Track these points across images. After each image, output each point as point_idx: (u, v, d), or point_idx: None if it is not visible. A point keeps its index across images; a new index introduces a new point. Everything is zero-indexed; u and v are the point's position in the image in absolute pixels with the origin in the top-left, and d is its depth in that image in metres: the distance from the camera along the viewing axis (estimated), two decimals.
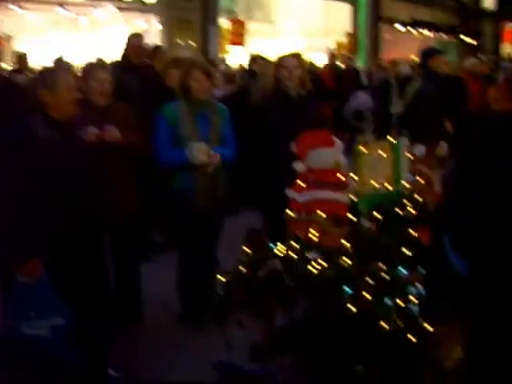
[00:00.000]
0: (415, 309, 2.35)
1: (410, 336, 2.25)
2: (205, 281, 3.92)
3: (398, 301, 2.32)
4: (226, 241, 4.24)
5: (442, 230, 2.56)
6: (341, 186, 2.49)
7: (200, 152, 3.80)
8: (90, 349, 3.28)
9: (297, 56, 4.33)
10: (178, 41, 13.20)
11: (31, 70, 7.98)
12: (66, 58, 8.02)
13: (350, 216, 2.49)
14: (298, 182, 2.50)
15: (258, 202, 4.58)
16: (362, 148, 2.73)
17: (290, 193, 2.52)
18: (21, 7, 10.81)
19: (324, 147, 2.52)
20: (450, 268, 2.15)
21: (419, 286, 2.47)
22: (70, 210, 3.03)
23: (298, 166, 2.52)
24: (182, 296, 4.26)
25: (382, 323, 2.17)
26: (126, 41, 5.28)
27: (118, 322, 3.86)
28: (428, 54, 5.63)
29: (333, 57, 12.14)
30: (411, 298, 2.38)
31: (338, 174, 2.51)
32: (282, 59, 4.30)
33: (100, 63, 4.13)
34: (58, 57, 8.08)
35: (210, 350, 3.23)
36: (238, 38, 14.82)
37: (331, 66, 11.29)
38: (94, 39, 11.63)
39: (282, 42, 15.28)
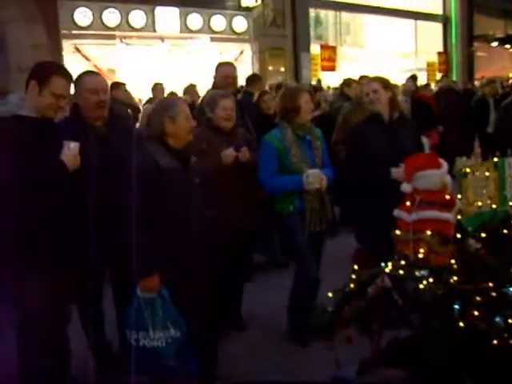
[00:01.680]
0: None
1: None
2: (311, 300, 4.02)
3: (508, 320, 2.34)
4: (328, 261, 4.37)
5: None
6: (447, 206, 2.55)
7: (316, 179, 3.94)
8: (203, 360, 3.48)
9: (377, 79, 4.24)
10: (271, 68, 13.53)
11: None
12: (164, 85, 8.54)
13: (457, 235, 2.53)
14: (406, 202, 2.58)
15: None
16: (466, 169, 2.78)
17: (397, 212, 2.61)
18: (125, 43, 11.54)
19: (430, 169, 2.61)
20: None
21: None
22: (185, 232, 3.25)
23: (406, 188, 2.62)
24: (292, 315, 4.36)
25: (493, 341, 2.19)
26: (216, 70, 5.35)
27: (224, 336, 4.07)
28: None
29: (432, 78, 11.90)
30: None
31: (445, 195, 2.58)
32: (362, 84, 4.36)
33: (223, 92, 4.36)
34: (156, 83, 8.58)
35: (319, 366, 3.34)
36: (329, 64, 15.03)
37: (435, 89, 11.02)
38: (189, 69, 12.10)
39: (373, 66, 15.27)
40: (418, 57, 18.26)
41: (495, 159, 2.99)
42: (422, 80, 13.40)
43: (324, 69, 14.92)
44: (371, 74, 4.51)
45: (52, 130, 3.17)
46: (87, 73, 3.78)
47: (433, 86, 12.16)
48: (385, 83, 4.16)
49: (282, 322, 4.33)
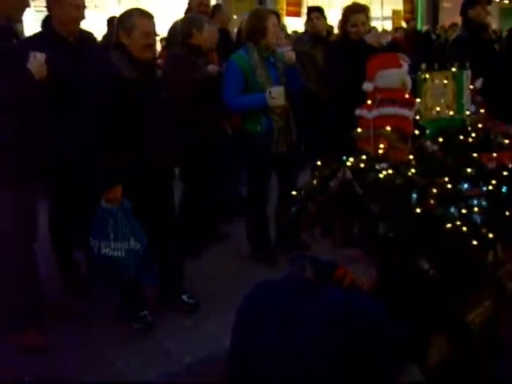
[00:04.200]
0: (478, 218, 2.50)
1: (473, 241, 2.41)
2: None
3: (462, 210, 2.48)
4: None
5: None
6: (407, 104, 2.65)
7: (280, 95, 4.00)
8: (164, 272, 3.58)
9: (364, 9, 4.36)
10: (235, 14, 13.31)
11: None
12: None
13: (415, 132, 2.64)
14: (367, 101, 2.67)
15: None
16: (426, 74, 2.87)
17: (359, 111, 2.69)
18: None
19: (392, 68, 2.69)
20: None
21: (482, 201, 2.62)
22: (147, 144, 3.29)
23: (367, 86, 2.70)
24: (251, 239, 4.50)
25: (448, 226, 2.33)
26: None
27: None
28: (469, 2, 5.66)
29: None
30: (474, 208, 2.53)
31: (405, 94, 2.67)
32: (349, 14, 4.33)
33: (208, 19, 4.59)
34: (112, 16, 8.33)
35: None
36: (294, 9, 14.86)
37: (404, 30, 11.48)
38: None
39: (339, 14, 15.16)
40: (384, 5, 18.21)
41: (453, 69, 3.09)
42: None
43: (289, 14, 14.76)
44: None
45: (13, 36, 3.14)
46: None
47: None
48: (367, 14, 4.34)
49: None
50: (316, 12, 5.69)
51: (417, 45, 10.12)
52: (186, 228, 4.09)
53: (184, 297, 3.75)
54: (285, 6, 14.74)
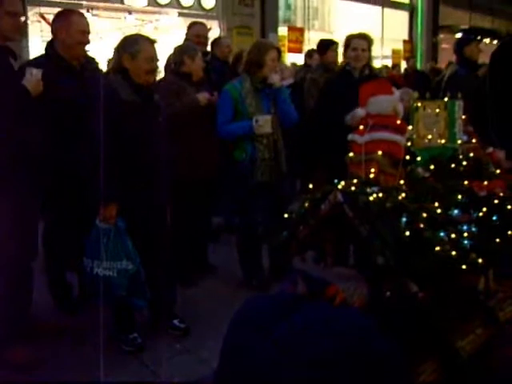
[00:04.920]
0: (467, 242, 2.52)
1: (462, 266, 2.42)
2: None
3: (451, 234, 2.50)
4: None
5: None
6: (399, 129, 2.69)
7: (266, 123, 4.05)
8: (155, 294, 3.57)
9: (366, 37, 4.42)
10: (238, 47, 13.55)
11: None
12: None
13: (407, 158, 2.68)
14: (360, 126, 2.71)
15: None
16: (418, 103, 2.92)
17: (351, 136, 2.74)
18: (92, 14, 11.41)
19: (384, 94, 2.74)
20: None
21: (472, 226, 2.65)
22: (144, 165, 3.33)
23: (359, 112, 2.75)
24: (243, 265, 4.50)
25: (436, 249, 2.34)
26: (188, 28, 5.49)
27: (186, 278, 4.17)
28: (464, 41, 5.99)
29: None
30: (464, 234, 2.55)
31: (396, 120, 2.71)
32: (351, 40, 4.38)
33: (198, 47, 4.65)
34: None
35: None
36: (296, 46, 15.10)
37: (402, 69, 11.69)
38: (156, 44, 12.06)
39: (340, 51, 15.39)
40: (384, 44, 18.50)
41: (445, 99, 3.15)
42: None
43: (291, 51, 14.94)
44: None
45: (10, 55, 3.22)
46: (73, 12, 3.84)
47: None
48: (370, 43, 4.40)
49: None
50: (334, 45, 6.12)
51: (415, 82, 10.27)
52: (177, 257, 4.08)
53: (175, 321, 3.74)
54: (287, 43, 14.97)
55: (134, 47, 3.32)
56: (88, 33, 3.76)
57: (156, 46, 3.43)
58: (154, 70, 3.43)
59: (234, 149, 4.27)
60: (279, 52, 4.34)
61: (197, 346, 3.56)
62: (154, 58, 3.38)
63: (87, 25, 3.76)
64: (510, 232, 2.68)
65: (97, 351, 3.41)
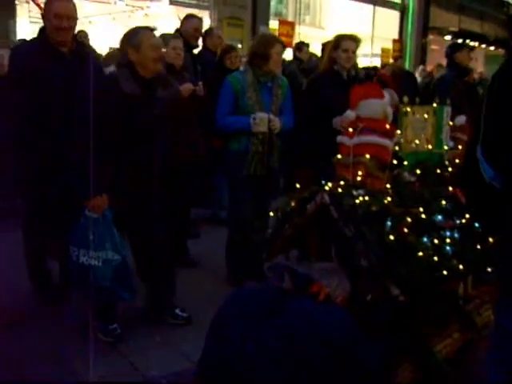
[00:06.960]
0: (449, 249, 2.55)
1: (443, 271, 2.46)
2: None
3: (434, 240, 2.53)
4: None
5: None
6: (387, 134, 2.71)
7: (262, 122, 4.05)
8: (154, 286, 3.56)
9: (356, 39, 4.36)
10: (228, 39, 13.51)
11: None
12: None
13: (394, 162, 2.70)
14: (349, 129, 2.73)
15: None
16: (407, 108, 2.95)
17: (340, 138, 2.75)
18: None
19: (374, 98, 2.76)
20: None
21: (454, 233, 2.68)
22: (142, 158, 3.33)
23: (350, 115, 2.76)
24: (229, 259, 4.51)
25: (419, 254, 2.37)
26: (183, 21, 5.40)
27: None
28: (457, 47, 6.26)
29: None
30: (447, 240, 2.59)
31: (386, 124, 2.73)
32: (341, 41, 4.29)
33: (174, 34, 4.61)
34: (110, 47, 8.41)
35: None
36: (286, 39, 15.07)
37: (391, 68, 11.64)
38: None
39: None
40: (374, 42, 18.56)
41: (434, 105, 3.18)
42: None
43: None
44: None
45: None
46: None
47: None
48: (359, 45, 4.36)
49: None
50: None
51: (402, 82, 10.30)
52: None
53: (177, 310, 3.74)
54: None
55: (135, 39, 3.31)
56: (70, 18, 3.63)
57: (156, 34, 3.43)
58: (160, 57, 3.42)
59: (229, 138, 4.27)
60: (284, 46, 4.32)
61: (178, 339, 3.55)
62: (157, 45, 3.37)
63: (69, 9, 3.63)
64: (491, 239, 2.71)
65: (74, 340, 3.41)
